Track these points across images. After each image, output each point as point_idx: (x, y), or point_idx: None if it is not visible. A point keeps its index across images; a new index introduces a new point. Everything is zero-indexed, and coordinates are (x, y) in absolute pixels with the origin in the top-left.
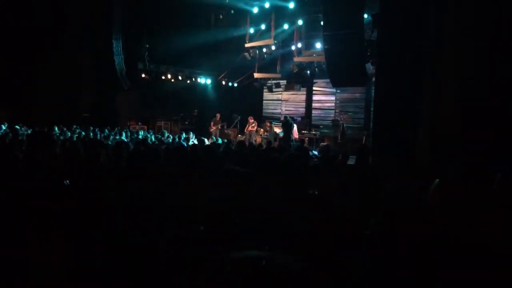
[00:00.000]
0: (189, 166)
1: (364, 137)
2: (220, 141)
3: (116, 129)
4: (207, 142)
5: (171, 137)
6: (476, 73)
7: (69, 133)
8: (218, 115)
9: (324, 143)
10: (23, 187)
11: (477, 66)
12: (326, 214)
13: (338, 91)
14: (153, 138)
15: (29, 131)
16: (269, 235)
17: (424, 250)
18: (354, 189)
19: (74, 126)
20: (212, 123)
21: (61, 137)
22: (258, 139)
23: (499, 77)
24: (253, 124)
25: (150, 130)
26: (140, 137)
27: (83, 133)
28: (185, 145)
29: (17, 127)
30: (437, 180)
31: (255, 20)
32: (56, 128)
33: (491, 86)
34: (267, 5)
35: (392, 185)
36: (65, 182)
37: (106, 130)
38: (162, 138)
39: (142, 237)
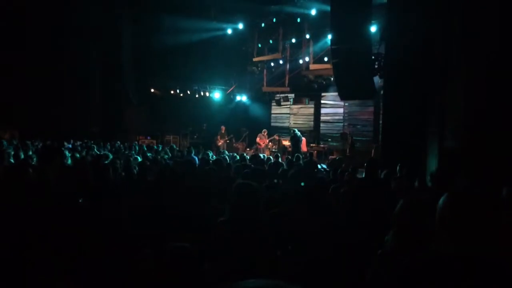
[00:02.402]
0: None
1: (373, 150)
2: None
3: (126, 143)
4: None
5: (180, 151)
6: (486, 83)
7: (79, 147)
8: (223, 128)
9: (334, 157)
10: (31, 203)
11: (487, 76)
12: (336, 232)
13: (347, 104)
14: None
15: (39, 146)
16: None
17: (436, 265)
18: (364, 204)
19: (89, 142)
20: (218, 137)
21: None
22: (267, 153)
23: (509, 88)
24: (265, 138)
25: (159, 145)
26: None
27: (95, 147)
28: (196, 159)
29: (27, 142)
30: (446, 193)
31: (263, 35)
32: (66, 143)
33: (501, 98)
34: (274, 20)
35: (406, 201)
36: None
37: (116, 145)
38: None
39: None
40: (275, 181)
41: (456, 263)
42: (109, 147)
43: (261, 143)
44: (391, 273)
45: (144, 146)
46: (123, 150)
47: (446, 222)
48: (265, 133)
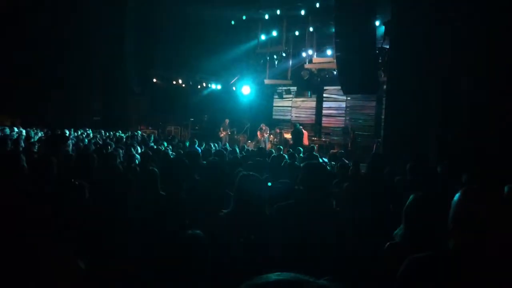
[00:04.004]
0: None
1: (374, 145)
2: (227, 146)
3: (129, 133)
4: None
5: (182, 142)
6: (489, 77)
7: (81, 136)
8: (226, 121)
9: (334, 150)
10: (31, 190)
11: (490, 70)
12: (342, 224)
13: (349, 98)
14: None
15: (40, 134)
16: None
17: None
18: (367, 197)
19: (90, 131)
20: (221, 129)
21: (74, 141)
22: (269, 146)
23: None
24: (266, 132)
25: (160, 135)
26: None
27: (98, 136)
28: (199, 150)
29: (28, 130)
30: (461, 190)
31: (267, 27)
32: (67, 131)
33: (503, 92)
34: (278, 12)
35: (417, 196)
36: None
37: (117, 134)
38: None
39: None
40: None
41: (466, 260)
42: (111, 136)
43: (259, 136)
44: (399, 268)
45: (145, 135)
46: (124, 140)
47: (461, 218)
48: (264, 127)
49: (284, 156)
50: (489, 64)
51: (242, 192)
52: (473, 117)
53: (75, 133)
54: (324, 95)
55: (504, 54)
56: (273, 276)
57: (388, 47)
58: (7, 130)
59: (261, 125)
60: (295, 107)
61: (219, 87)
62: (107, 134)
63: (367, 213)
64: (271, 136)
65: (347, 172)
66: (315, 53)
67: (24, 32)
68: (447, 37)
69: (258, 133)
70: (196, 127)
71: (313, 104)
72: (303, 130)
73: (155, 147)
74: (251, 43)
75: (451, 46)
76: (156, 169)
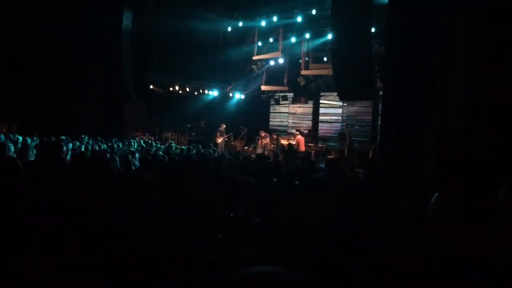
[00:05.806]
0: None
1: (371, 151)
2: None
3: (126, 140)
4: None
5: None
6: (486, 85)
7: (78, 143)
8: (223, 126)
9: (331, 156)
10: (27, 197)
11: (487, 79)
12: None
13: (345, 104)
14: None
15: (37, 141)
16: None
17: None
18: (361, 204)
19: (86, 137)
20: (218, 134)
21: (70, 146)
22: (267, 152)
23: (509, 90)
24: (266, 138)
25: (157, 141)
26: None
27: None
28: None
29: (21, 137)
30: (437, 193)
31: (263, 33)
32: (64, 137)
33: (500, 99)
34: (275, 18)
35: (410, 203)
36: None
37: (114, 141)
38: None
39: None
40: (274, 179)
41: (442, 264)
42: (109, 143)
43: (260, 143)
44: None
45: (142, 141)
46: (121, 146)
47: (433, 222)
48: (263, 134)
49: (281, 162)
50: (488, 68)
51: (236, 198)
52: (471, 122)
53: (71, 140)
54: (321, 101)
55: (506, 60)
56: (251, 269)
57: (384, 53)
58: (2, 137)
59: (260, 132)
60: (292, 113)
61: (215, 93)
62: (103, 141)
63: (359, 220)
64: (268, 141)
65: (342, 178)
66: (312, 60)
67: (22, 36)
68: (444, 43)
69: (259, 140)
70: (193, 133)
71: (310, 110)
72: (300, 136)
73: (159, 153)
74: (248, 49)
75: (448, 52)
76: (147, 175)
